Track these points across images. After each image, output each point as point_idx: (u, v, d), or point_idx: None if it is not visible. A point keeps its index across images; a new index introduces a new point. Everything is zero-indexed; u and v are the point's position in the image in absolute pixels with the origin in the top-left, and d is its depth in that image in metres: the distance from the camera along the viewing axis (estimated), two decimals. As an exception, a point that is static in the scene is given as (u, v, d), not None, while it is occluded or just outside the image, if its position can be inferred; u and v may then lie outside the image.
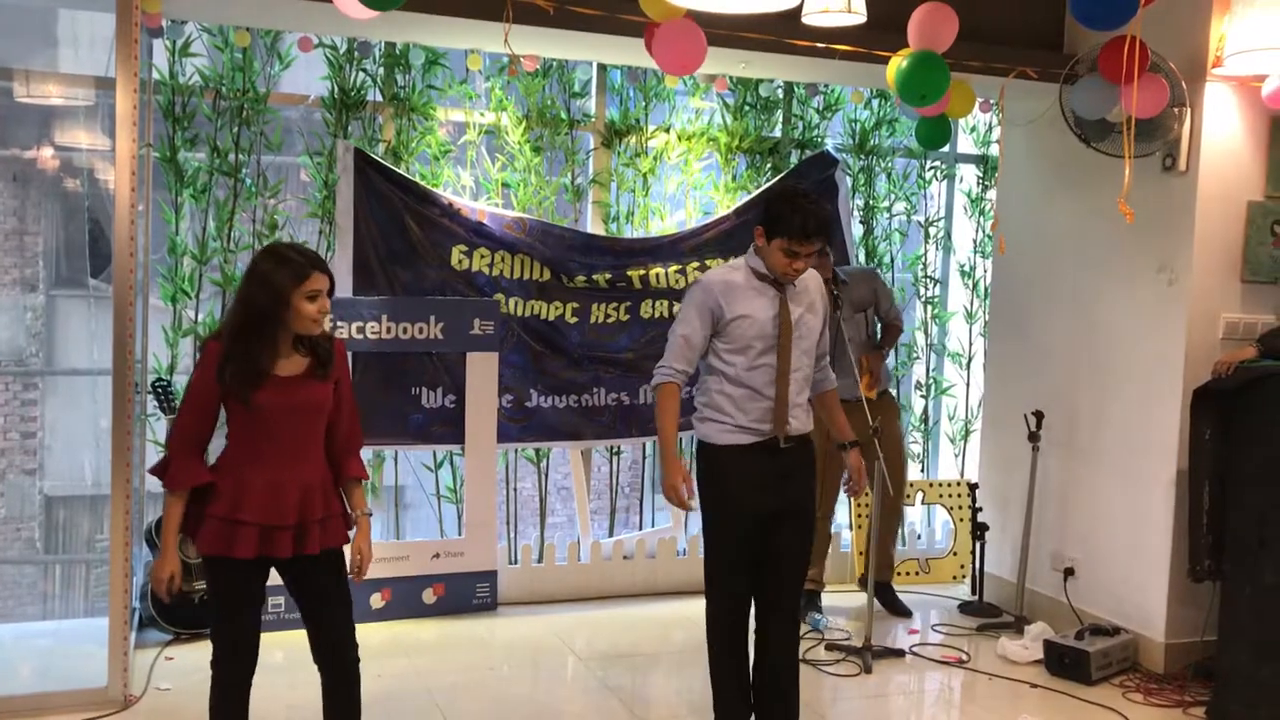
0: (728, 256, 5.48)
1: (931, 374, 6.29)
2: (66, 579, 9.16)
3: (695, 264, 5.48)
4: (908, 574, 5.87)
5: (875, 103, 5.92)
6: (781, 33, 4.42)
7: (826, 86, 5.80)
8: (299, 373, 2.90)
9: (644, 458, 6.08)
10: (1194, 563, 4.41)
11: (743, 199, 5.62)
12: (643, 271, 5.40)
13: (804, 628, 4.87)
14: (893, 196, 6.09)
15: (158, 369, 4.87)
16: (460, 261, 5.12)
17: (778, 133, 5.80)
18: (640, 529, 5.86)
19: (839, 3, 3.71)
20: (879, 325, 5.31)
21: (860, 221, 6.00)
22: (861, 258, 5.97)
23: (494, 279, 5.18)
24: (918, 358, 6.26)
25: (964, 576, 5.87)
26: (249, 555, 2.85)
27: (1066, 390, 5.23)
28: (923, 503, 5.98)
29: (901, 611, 5.36)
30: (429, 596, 5.05)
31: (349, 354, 4.29)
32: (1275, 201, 4.67)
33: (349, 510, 3.06)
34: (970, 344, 6.28)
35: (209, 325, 4.92)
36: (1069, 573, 5.13)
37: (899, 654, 4.81)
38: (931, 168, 6.18)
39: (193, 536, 2.89)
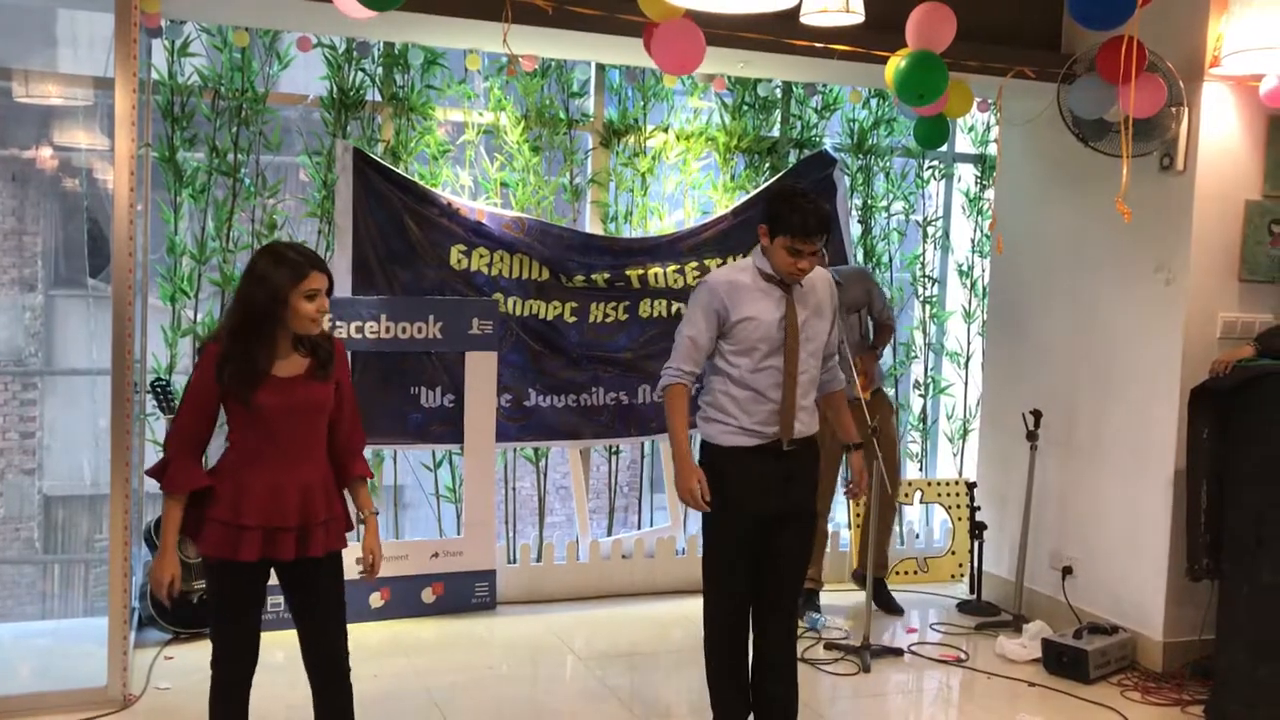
0: (726, 256, 5.49)
1: (930, 373, 6.30)
2: (66, 579, 9.16)
3: (694, 263, 5.49)
4: (906, 573, 5.88)
5: (873, 102, 5.93)
6: (780, 32, 4.42)
7: (825, 86, 5.80)
8: (299, 373, 2.89)
9: (642, 457, 6.09)
10: (1192, 562, 4.42)
11: (741, 199, 5.62)
12: (641, 271, 5.40)
13: (802, 627, 4.87)
14: (891, 196, 6.09)
15: (157, 369, 4.87)
16: (459, 261, 5.12)
17: (776, 132, 5.80)
18: (639, 528, 5.87)
19: (837, 2, 3.71)
20: (871, 325, 5.31)
21: (858, 221, 6.01)
22: (860, 257, 5.97)
23: (493, 278, 5.19)
24: (916, 357, 6.26)
25: (962, 575, 5.88)
26: (252, 559, 2.84)
27: (1065, 389, 5.23)
28: (921, 502, 5.99)
29: (894, 609, 5.37)
30: (428, 596, 5.06)
31: (348, 353, 4.28)
32: (1273, 200, 4.68)
33: (354, 510, 3.05)
34: (968, 343, 6.29)
35: (208, 325, 4.92)
36: (1067, 571, 5.14)
37: (897, 653, 4.82)
38: (929, 167, 6.19)
39: (194, 539, 2.88)
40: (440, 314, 5.00)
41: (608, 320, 5.42)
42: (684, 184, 5.67)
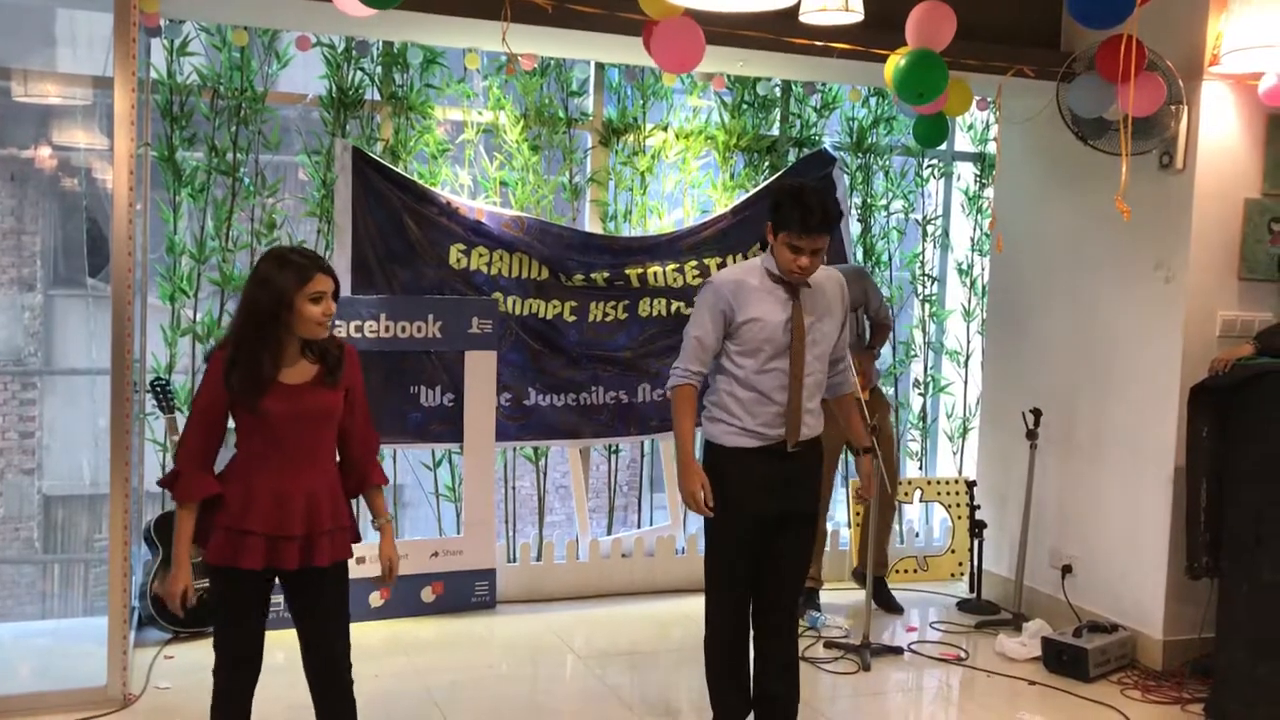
0: (725, 255, 5.49)
1: (929, 372, 6.30)
2: (65, 578, 9.17)
3: (693, 262, 5.49)
4: (906, 571, 5.88)
5: (873, 101, 5.93)
6: (779, 31, 4.42)
7: (824, 85, 5.80)
8: (307, 380, 2.85)
9: (642, 456, 6.09)
10: (1191, 560, 4.42)
11: (740, 197, 5.62)
12: (641, 270, 5.40)
13: (802, 625, 4.87)
14: (890, 194, 6.09)
15: (156, 368, 4.87)
16: (458, 260, 5.12)
17: (775, 131, 5.80)
18: (639, 527, 5.87)
19: (836, 1, 3.71)
20: (868, 325, 5.30)
21: (858, 219, 6.01)
22: (859, 256, 5.97)
23: (492, 278, 5.19)
24: (916, 356, 6.26)
25: (962, 574, 5.88)
26: (256, 566, 2.81)
27: (1064, 388, 5.23)
28: (921, 500, 5.99)
29: (894, 608, 5.37)
30: (428, 595, 5.06)
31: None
32: (1272, 199, 4.67)
33: (359, 519, 3.03)
34: (968, 342, 6.29)
35: (207, 324, 4.92)
36: (1067, 570, 5.14)
37: (897, 651, 4.82)
38: (929, 166, 6.19)
39: (202, 545, 2.85)
40: (440, 313, 5.00)
41: (607, 319, 5.42)
42: (683, 183, 5.67)
